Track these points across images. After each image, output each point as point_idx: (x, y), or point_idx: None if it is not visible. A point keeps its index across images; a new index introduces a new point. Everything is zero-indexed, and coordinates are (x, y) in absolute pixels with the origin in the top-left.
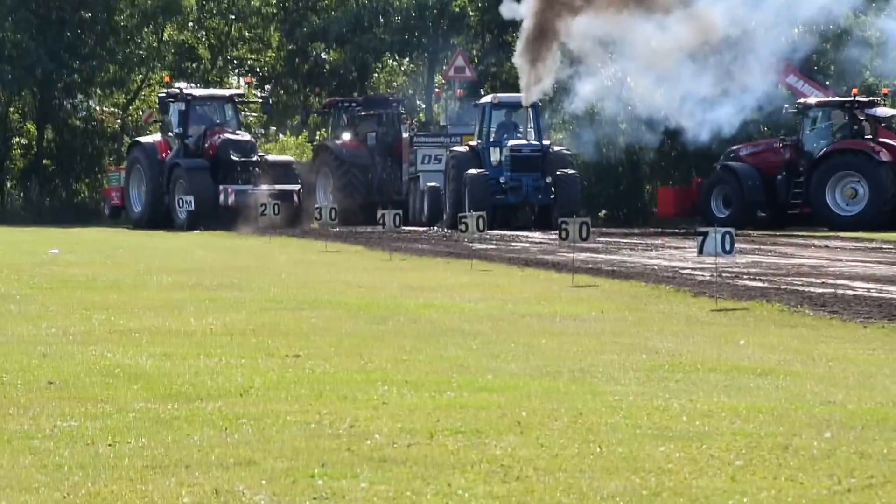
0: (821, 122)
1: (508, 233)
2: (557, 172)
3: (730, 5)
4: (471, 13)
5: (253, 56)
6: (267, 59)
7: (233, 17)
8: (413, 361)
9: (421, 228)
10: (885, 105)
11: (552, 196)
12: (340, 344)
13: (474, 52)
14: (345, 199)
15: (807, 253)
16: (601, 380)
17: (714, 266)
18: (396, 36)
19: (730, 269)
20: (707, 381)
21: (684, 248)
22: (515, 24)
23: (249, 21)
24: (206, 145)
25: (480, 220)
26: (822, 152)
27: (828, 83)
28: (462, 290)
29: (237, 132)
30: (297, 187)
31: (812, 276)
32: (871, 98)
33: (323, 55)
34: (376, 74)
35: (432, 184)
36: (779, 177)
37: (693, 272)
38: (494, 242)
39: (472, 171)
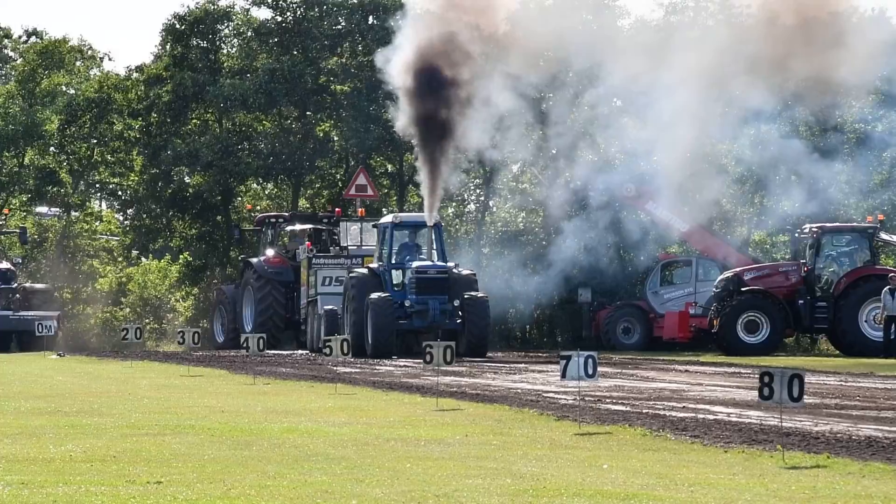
0: (838, 248)
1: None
2: (465, 295)
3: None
4: (335, 138)
5: (115, 180)
6: (129, 182)
7: (95, 140)
8: (277, 487)
9: (300, 351)
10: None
11: (459, 321)
12: (203, 470)
13: (338, 177)
14: (265, 317)
15: (668, 377)
16: None
17: (577, 390)
18: (260, 160)
19: (592, 393)
20: None
21: (547, 371)
22: (379, 149)
23: (112, 145)
24: None
25: (345, 344)
26: (843, 278)
27: (686, 209)
28: (326, 413)
29: None
30: (55, 313)
31: (673, 400)
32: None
33: (186, 178)
34: (240, 198)
35: (329, 307)
36: (800, 301)
37: (556, 396)
38: (359, 366)
39: (375, 294)
